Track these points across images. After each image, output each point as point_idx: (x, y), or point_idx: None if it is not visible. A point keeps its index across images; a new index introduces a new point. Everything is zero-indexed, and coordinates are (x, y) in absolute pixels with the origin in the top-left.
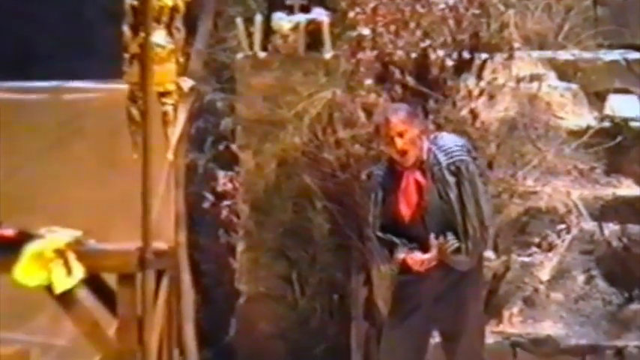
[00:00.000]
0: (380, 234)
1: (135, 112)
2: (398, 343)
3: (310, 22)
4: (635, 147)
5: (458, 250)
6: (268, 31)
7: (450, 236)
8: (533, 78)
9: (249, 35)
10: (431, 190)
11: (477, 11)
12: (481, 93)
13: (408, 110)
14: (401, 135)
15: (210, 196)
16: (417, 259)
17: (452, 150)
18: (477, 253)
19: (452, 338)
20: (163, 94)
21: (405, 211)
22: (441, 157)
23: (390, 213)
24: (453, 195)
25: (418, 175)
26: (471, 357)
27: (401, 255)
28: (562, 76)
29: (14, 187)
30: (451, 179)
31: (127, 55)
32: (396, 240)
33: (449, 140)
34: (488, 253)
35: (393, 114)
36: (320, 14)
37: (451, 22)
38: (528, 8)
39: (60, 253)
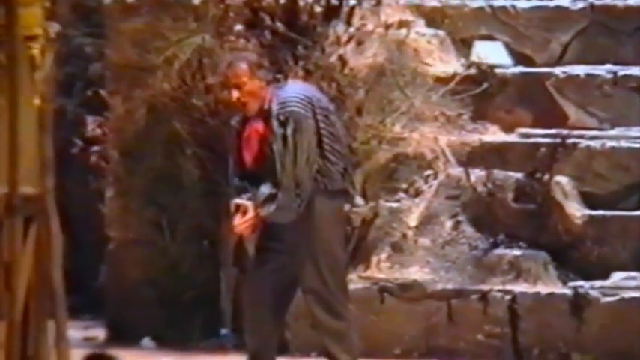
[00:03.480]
0: (236, 181)
1: (1, 56)
2: (257, 284)
3: None
4: (500, 94)
5: (270, 199)
6: None
7: (264, 189)
8: (402, 24)
9: None
10: (269, 140)
11: None
12: (350, 39)
13: (250, 61)
14: (238, 87)
15: (79, 142)
16: (236, 223)
17: (286, 100)
18: (291, 206)
19: (307, 291)
20: (30, 38)
21: (248, 159)
22: (274, 107)
23: (238, 160)
24: (275, 146)
25: (259, 125)
26: (329, 311)
27: (235, 200)
28: (429, 22)
29: None
30: (278, 130)
31: None
32: (249, 188)
33: (289, 91)
34: (357, 200)
35: (231, 67)
36: None
37: None
38: None
39: None
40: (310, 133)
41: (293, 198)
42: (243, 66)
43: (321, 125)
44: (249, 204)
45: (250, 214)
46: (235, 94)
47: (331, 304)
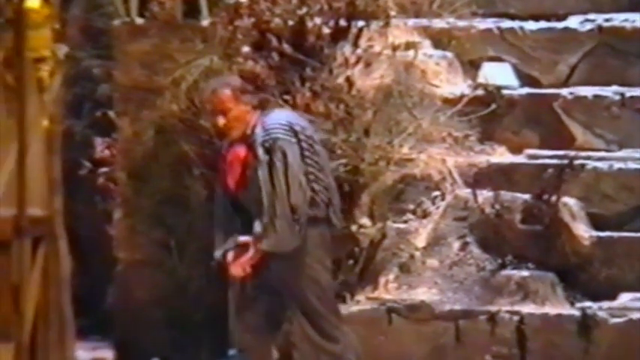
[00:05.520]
0: (221, 209)
1: (9, 78)
2: (250, 308)
3: None
4: (507, 115)
5: (266, 231)
6: None
7: (257, 226)
8: (409, 46)
9: (126, 1)
10: (252, 166)
11: None
12: (357, 61)
13: (233, 86)
14: (224, 113)
15: (87, 163)
16: (233, 267)
17: (271, 127)
18: (292, 232)
19: (298, 317)
20: (39, 60)
21: (231, 184)
22: (259, 134)
23: (224, 185)
24: (261, 173)
25: (241, 149)
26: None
27: (218, 253)
28: (437, 44)
29: None
30: (263, 157)
31: (1, 20)
32: (234, 216)
33: (275, 117)
34: (364, 220)
35: (215, 93)
36: None
37: None
38: None
39: None
40: (298, 159)
41: (292, 224)
42: (227, 92)
43: (306, 154)
44: (248, 240)
45: (251, 251)
46: (221, 120)
47: (323, 328)
